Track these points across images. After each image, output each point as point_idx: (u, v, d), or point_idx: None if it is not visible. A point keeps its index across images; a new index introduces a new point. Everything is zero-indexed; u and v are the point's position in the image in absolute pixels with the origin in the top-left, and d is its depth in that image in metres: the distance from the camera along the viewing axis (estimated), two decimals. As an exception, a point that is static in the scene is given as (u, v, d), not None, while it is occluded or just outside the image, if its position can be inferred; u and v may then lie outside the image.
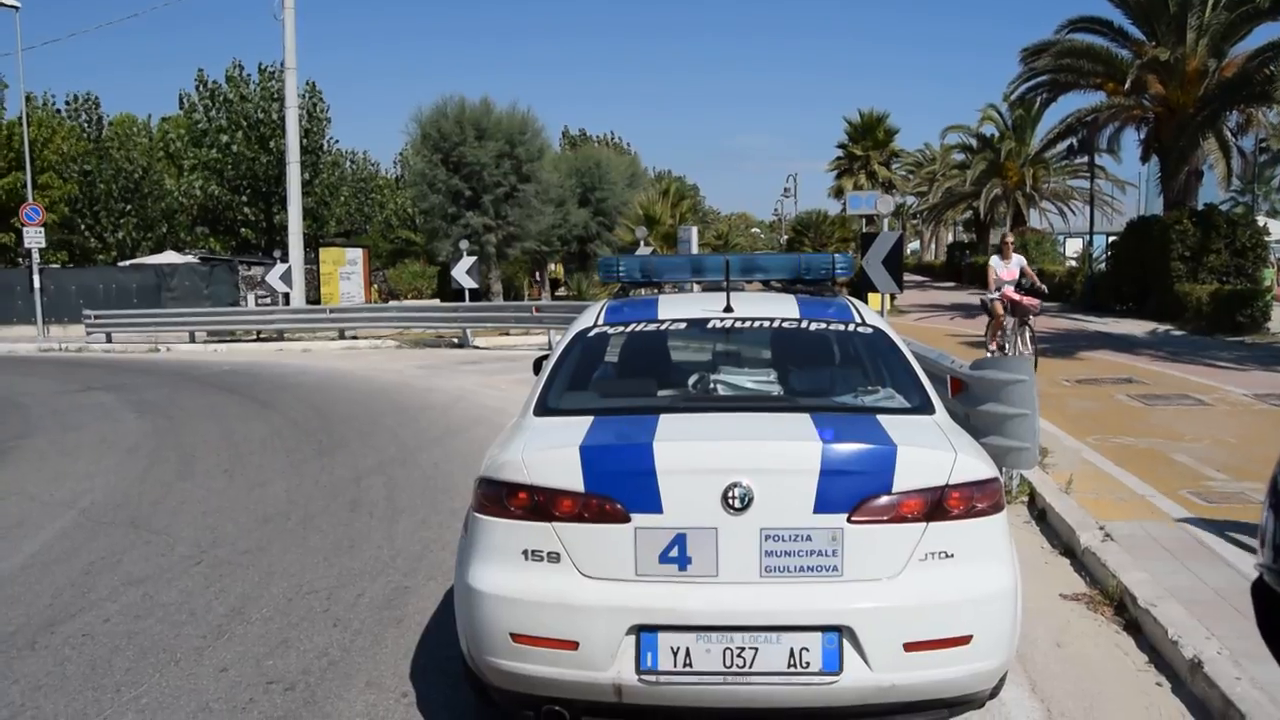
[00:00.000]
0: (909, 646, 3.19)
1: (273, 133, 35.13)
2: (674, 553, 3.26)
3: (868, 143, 43.75)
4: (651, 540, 3.27)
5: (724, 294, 4.60)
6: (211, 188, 35.52)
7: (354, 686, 4.36)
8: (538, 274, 39.38)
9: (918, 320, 26.32)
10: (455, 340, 23.24)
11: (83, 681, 4.50)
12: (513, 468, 3.44)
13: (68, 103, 42.16)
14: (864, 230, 30.59)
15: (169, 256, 35.20)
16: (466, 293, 23.78)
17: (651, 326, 4.61)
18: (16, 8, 29.36)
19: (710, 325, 4.50)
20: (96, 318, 27.71)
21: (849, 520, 3.25)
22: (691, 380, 4.52)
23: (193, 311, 27.75)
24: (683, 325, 4.63)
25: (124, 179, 39.87)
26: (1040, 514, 6.86)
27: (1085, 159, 35.07)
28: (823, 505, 3.25)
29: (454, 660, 4.56)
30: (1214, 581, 5.22)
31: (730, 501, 3.23)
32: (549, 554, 3.34)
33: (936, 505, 3.30)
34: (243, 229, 37.29)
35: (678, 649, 3.20)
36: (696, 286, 5.61)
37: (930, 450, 3.45)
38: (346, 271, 30.21)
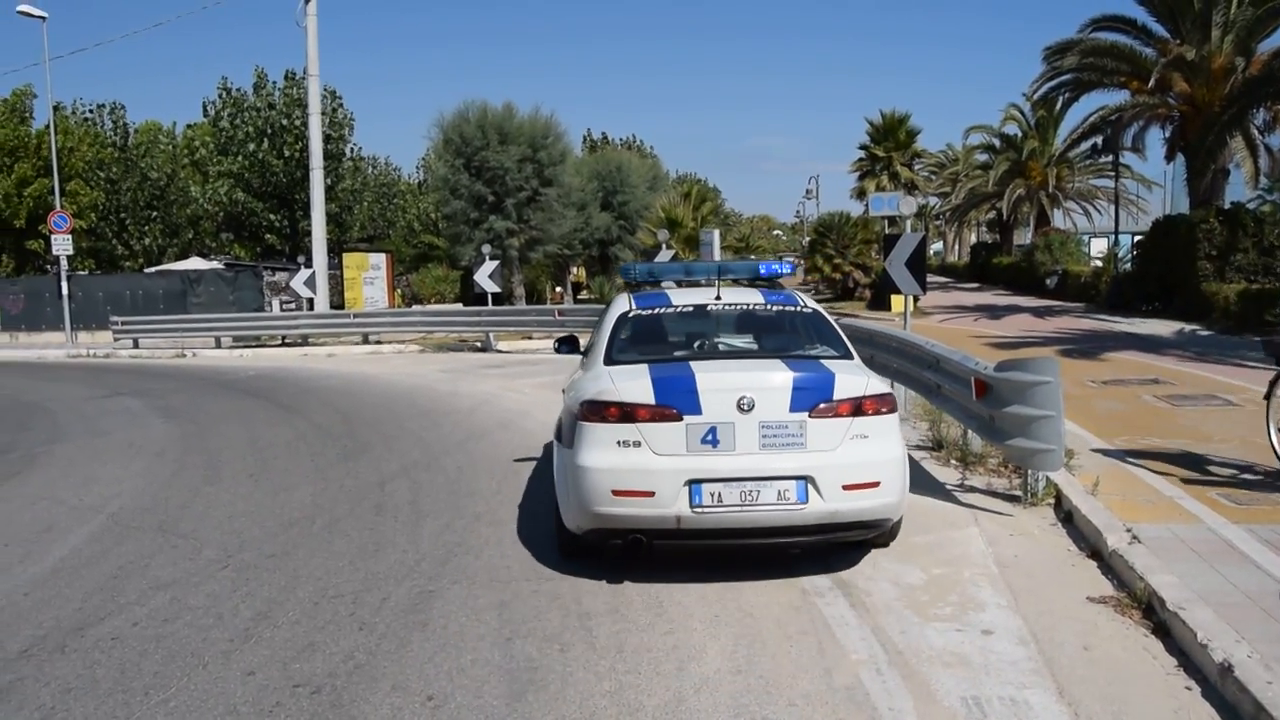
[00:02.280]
0: (845, 487, 5.40)
1: (295, 139, 35.34)
2: (709, 437, 5.47)
3: (890, 144, 43.50)
4: (696, 431, 5.47)
5: (714, 288, 6.93)
6: (236, 194, 35.75)
7: (380, 690, 4.38)
8: (563, 278, 39.57)
9: (942, 322, 26.19)
10: (478, 344, 23.30)
11: (112, 684, 4.54)
12: (609, 393, 5.62)
13: (94, 111, 42.58)
14: (886, 232, 30.49)
15: (194, 263, 35.45)
16: (489, 297, 23.84)
17: (670, 309, 6.88)
18: (44, 18, 29.70)
19: (708, 308, 6.79)
20: (124, 324, 27.99)
21: (809, 416, 5.50)
22: (698, 343, 6.67)
23: (218, 317, 27.98)
24: (690, 308, 6.87)
25: (149, 186, 40.21)
26: (1067, 516, 6.80)
27: (1110, 158, 34.77)
28: (794, 408, 5.50)
29: (478, 664, 4.60)
30: (1244, 584, 5.16)
31: (741, 407, 5.45)
32: (634, 442, 5.48)
33: (857, 408, 5.56)
34: (267, 235, 37.52)
35: (714, 492, 5.38)
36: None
37: (853, 377, 5.75)
38: (370, 276, 30.32)
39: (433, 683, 4.44)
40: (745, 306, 6.85)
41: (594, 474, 5.49)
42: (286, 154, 35.85)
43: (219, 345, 26.81)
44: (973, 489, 7.68)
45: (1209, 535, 6.09)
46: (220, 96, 37.47)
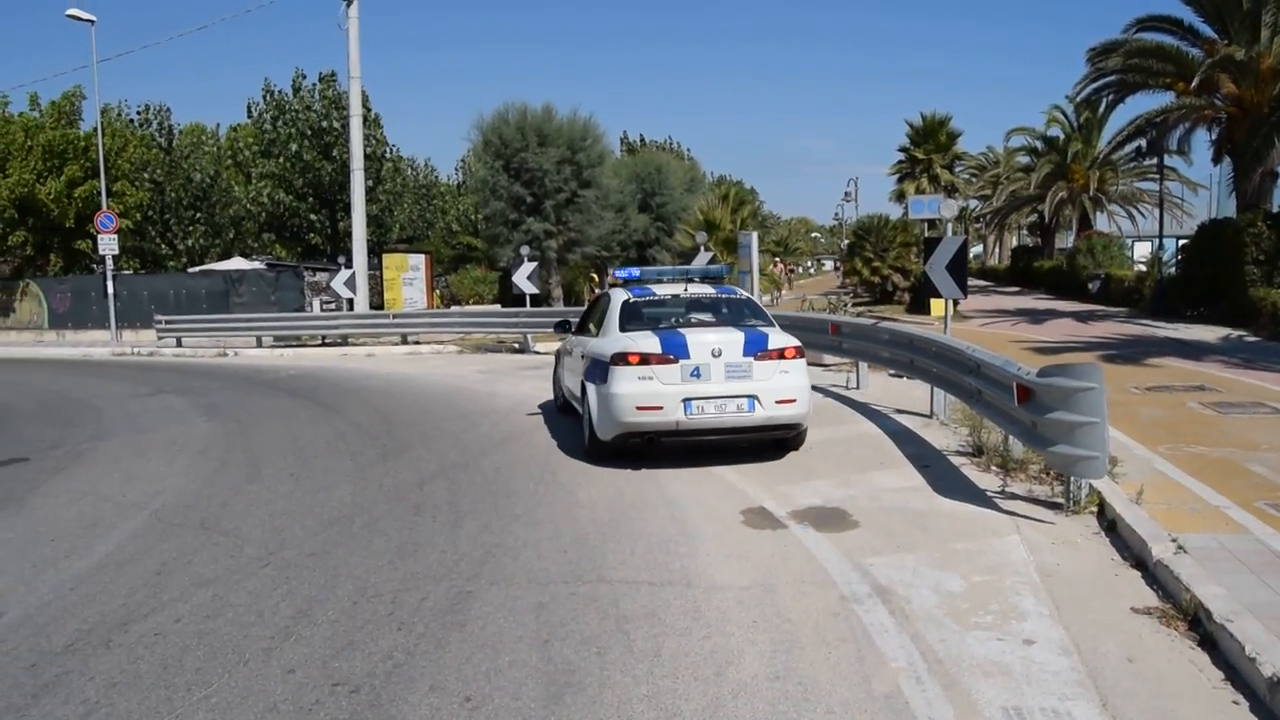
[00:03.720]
0: (777, 402, 8.63)
1: (335, 140, 35.63)
2: (695, 373, 8.61)
3: (930, 146, 43.06)
4: (686, 369, 8.59)
5: (681, 284, 10.42)
6: (278, 195, 36.11)
7: (418, 690, 4.40)
8: (599, 279, 39.61)
9: (983, 326, 25.95)
10: (516, 345, 23.37)
11: (155, 680, 4.60)
12: (632, 348, 8.77)
13: (140, 112, 43.19)
14: (926, 235, 30.24)
15: (237, 263, 35.83)
16: (527, 298, 23.90)
17: (654, 298, 10.10)
18: (92, 21, 30.17)
19: (680, 296, 10.12)
20: (167, 322, 28.38)
21: (754, 359, 8.69)
22: (676, 318, 9.75)
23: (259, 316, 28.27)
24: (669, 296, 10.15)
25: (193, 187, 40.73)
26: (1110, 525, 6.70)
27: (1154, 161, 34.30)
28: (745, 354, 8.69)
29: (515, 666, 4.61)
30: (1293, 596, 5.06)
31: (714, 354, 8.63)
32: (648, 376, 8.59)
33: (781, 354, 8.77)
34: (308, 235, 37.83)
35: (699, 406, 8.54)
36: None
37: (779, 336, 9.10)
38: (409, 277, 30.51)
39: (470, 683, 4.45)
40: (703, 295, 10.20)
41: (624, 398, 8.70)
42: (325, 155, 36.15)
43: (260, 344, 27.09)
44: (1014, 496, 7.60)
45: (1257, 546, 5.99)
46: (263, 98, 37.89)
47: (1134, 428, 10.17)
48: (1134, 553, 6.10)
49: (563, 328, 11.74)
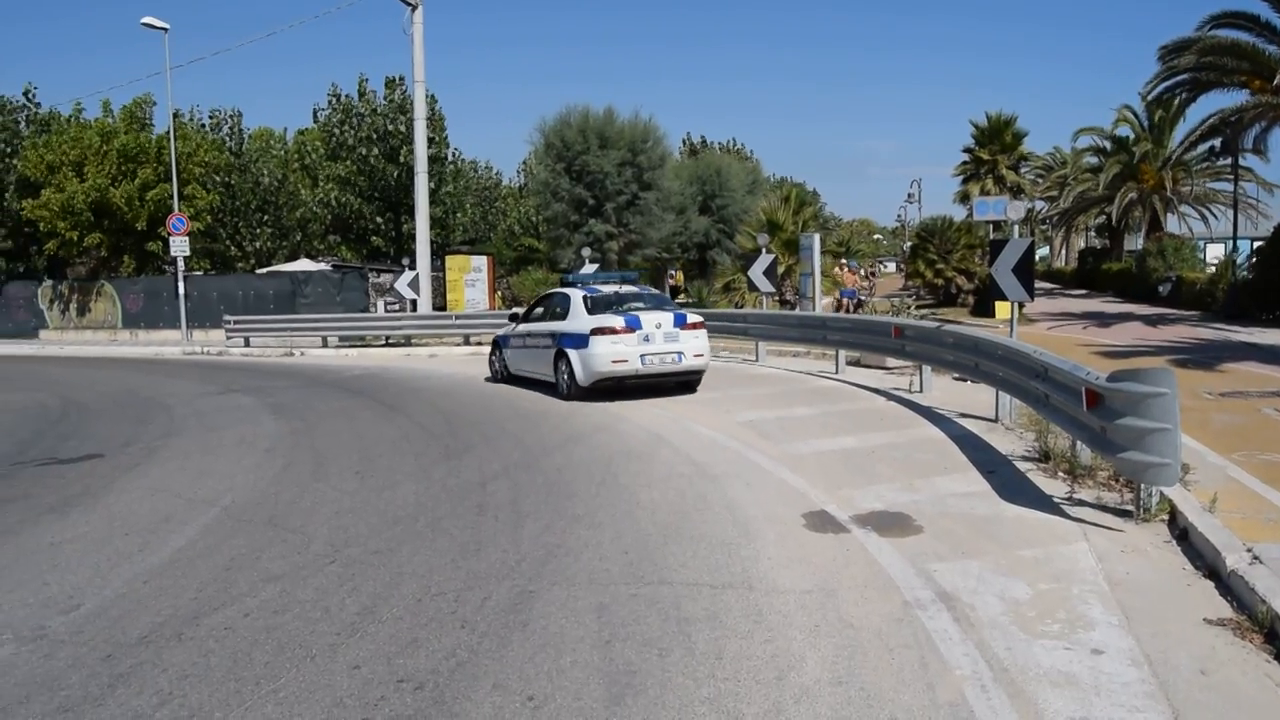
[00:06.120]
0: (694, 355, 13.93)
1: (400, 144, 36.08)
2: (646, 339, 13.54)
3: (995, 146, 42.39)
4: (641, 336, 13.50)
5: (616, 285, 14.99)
6: (345, 197, 36.67)
7: (481, 688, 4.44)
8: (662, 281, 39.68)
9: (1049, 329, 25.52)
10: (576, 346, 23.44)
11: (225, 673, 4.70)
12: (606, 325, 13.44)
13: (211, 117, 44.14)
14: (991, 237, 29.78)
15: (303, 264, 36.44)
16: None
17: (602, 294, 14.46)
18: (165, 29, 30.91)
19: (619, 293, 14.54)
20: (236, 323, 28.95)
21: (681, 329, 13.83)
22: (622, 305, 14.08)
23: (325, 317, 28.73)
24: (611, 293, 14.50)
25: (262, 190, 41.51)
26: (1182, 533, 6.55)
27: (1228, 161, 33.45)
28: (674, 325, 13.82)
29: (577, 666, 4.63)
30: (1375, 610, 4.91)
31: (657, 326, 13.65)
32: (617, 342, 13.38)
33: (695, 326, 14.05)
34: (373, 237, 38.36)
35: (649, 360, 13.56)
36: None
37: (693, 315, 14.59)
38: (471, 278, 30.78)
39: (533, 683, 4.48)
40: (629, 291, 14.74)
41: (602, 356, 13.35)
42: (390, 158, 36.64)
43: (325, 345, 27.53)
44: (1081, 503, 7.46)
45: (1336, 557, 5.81)
46: (329, 102, 38.51)
47: (1207, 434, 9.94)
48: (1207, 562, 5.95)
49: (513, 319, 16.45)
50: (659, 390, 14.01)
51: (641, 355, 13.37)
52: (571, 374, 13.69)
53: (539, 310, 15.55)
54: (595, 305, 14.04)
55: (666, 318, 13.73)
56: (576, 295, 14.36)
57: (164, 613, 5.58)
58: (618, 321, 13.40)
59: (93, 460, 10.71)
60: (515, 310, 18.29)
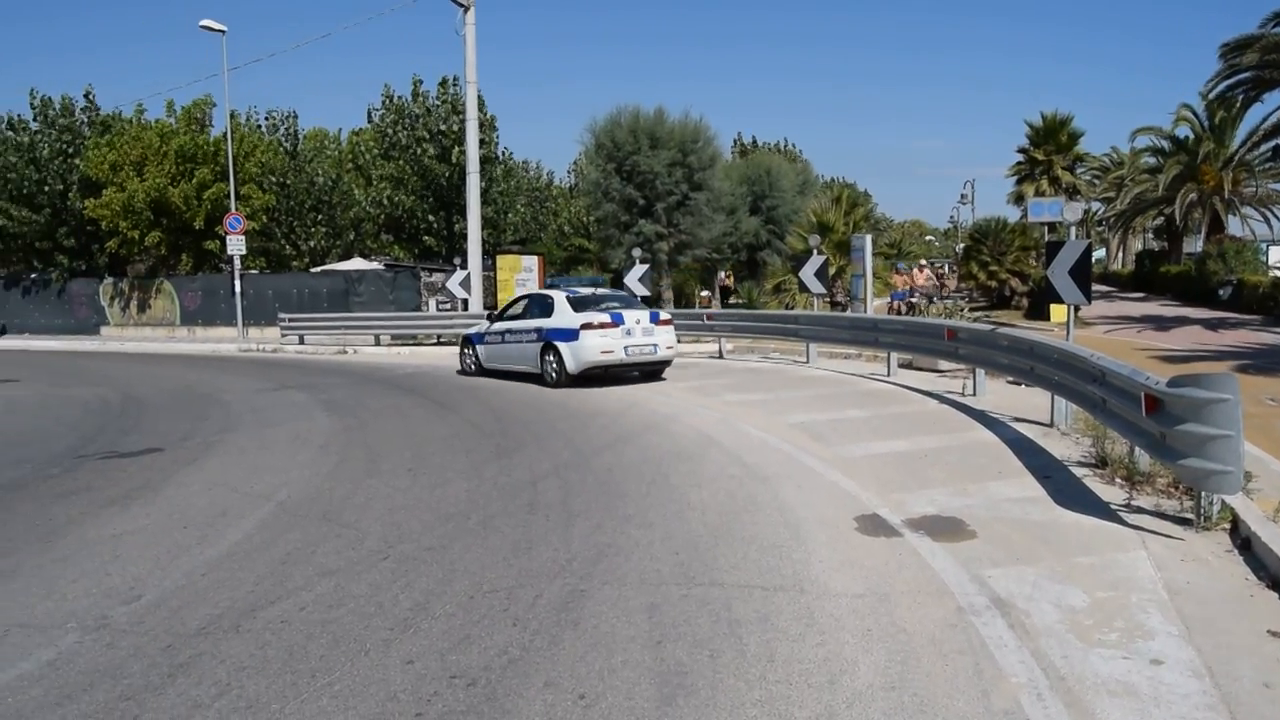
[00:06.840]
0: (666, 347, 16.33)
1: (452, 143, 36.35)
2: (629, 332, 15.86)
3: (1050, 146, 41.78)
4: (624, 329, 15.82)
5: (595, 287, 19.45)
6: (398, 197, 37.04)
7: (533, 686, 4.46)
8: (720, 280, 39.78)
9: (1106, 332, 25.12)
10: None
11: (281, 665, 4.76)
12: (593, 321, 15.73)
13: (268, 118, 44.80)
14: (1046, 238, 29.34)
15: (356, 263, 36.87)
16: (639, 300, 24.01)
17: (581, 295, 16.83)
18: (223, 31, 31.45)
19: (595, 294, 17.21)
20: (290, 321, 29.39)
21: (655, 325, 16.17)
22: (603, 304, 16.27)
23: (378, 316, 29.06)
24: (589, 294, 17.07)
25: (316, 190, 42.06)
26: (1244, 543, 6.40)
27: (1293, 162, 32.67)
28: (650, 322, 16.15)
29: (628, 666, 4.63)
30: None
31: (637, 321, 16.00)
32: (604, 335, 15.69)
33: (666, 322, 16.44)
34: (425, 237, 38.66)
35: (632, 350, 15.92)
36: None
37: (664, 313, 17.13)
38: (522, 278, 30.92)
39: (584, 681, 4.50)
40: (605, 293, 17.27)
41: (591, 348, 15.53)
42: (443, 158, 36.93)
43: (378, 343, 27.84)
44: (1140, 510, 7.33)
45: (1407, 569, 5.65)
46: (383, 103, 38.90)
47: (1270, 441, 9.73)
48: (1270, 573, 5.82)
49: (490, 318, 18.93)
50: (624, 379, 16.42)
51: (625, 347, 15.70)
52: (560, 364, 15.81)
53: (516, 310, 17.65)
54: (578, 304, 16.15)
55: (644, 314, 16.13)
56: (560, 295, 16.63)
57: (222, 605, 5.68)
58: (605, 317, 15.69)
59: (152, 454, 10.92)
60: (489, 310, 22.46)
